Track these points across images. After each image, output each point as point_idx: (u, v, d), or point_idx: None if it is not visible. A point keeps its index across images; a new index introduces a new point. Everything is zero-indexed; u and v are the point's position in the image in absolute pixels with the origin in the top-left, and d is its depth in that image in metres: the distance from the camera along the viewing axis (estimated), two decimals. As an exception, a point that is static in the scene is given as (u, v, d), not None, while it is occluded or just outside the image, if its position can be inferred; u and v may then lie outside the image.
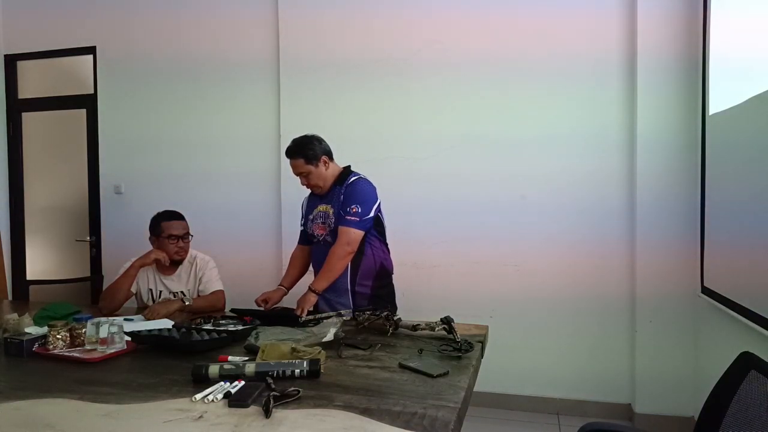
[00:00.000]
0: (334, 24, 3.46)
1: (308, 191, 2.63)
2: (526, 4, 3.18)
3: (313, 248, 2.63)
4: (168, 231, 2.67)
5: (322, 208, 2.53)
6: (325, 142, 2.53)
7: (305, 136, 2.52)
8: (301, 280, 2.71)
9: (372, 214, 2.46)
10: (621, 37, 3.06)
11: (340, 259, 2.41)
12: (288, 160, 2.52)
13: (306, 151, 2.46)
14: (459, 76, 3.29)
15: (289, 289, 2.63)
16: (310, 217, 2.59)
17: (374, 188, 2.52)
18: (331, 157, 2.52)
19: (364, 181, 2.51)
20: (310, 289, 2.43)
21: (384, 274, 2.56)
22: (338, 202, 2.46)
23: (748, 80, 2.27)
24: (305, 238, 2.68)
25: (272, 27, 3.57)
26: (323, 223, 2.51)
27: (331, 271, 2.42)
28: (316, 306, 2.52)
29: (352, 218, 2.40)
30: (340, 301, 2.48)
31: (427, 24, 3.34)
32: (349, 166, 2.59)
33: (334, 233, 2.46)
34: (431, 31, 3.33)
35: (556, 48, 3.15)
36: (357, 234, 2.42)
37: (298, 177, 2.53)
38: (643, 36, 2.97)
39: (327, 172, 2.50)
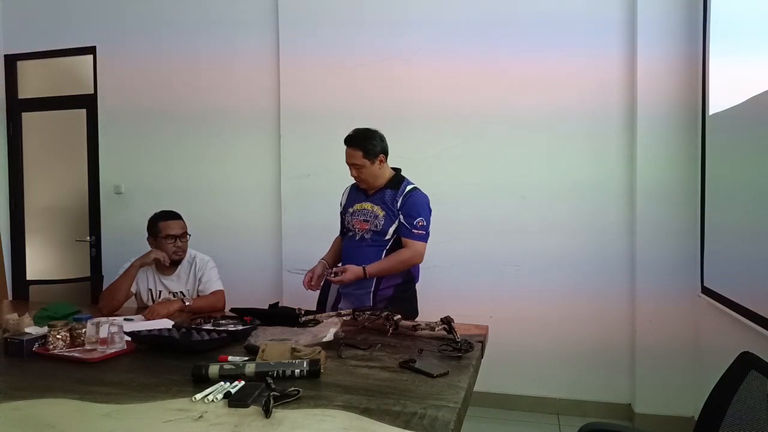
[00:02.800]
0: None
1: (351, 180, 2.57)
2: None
3: (345, 241, 2.59)
4: (165, 231, 2.66)
5: (368, 206, 2.50)
6: (386, 140, 2.48)
7: (369, 129, 2.46)
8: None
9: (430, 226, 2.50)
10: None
11: (403, 263, 2.45)
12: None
13: (367, 144, 2.41)
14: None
15: (330, 266, 2.59)
16: (350, 210, 2.55)
17: (429, 199, 2.53)
18: (386, 157, 2.49)
19: (422, 193, 2.50)
20: (363, 267, 2.40)
21: (408, 279, 2.55)
22: (393, 207, 2.44)
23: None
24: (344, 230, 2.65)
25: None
26: (366, 220, 2.48)
27: (390, 267, 2.44)
28: (338, 300, 2.54)
29: (420, 232, 2.43)
30: (362, 299, 2.46)
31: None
32: (401, 170, 2.57)
33: (379, 234, 2.45)
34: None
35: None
36: (424, 247, 2.46)
37: (350, 166, 2.46)
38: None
39: (380, 171, 2.47)
